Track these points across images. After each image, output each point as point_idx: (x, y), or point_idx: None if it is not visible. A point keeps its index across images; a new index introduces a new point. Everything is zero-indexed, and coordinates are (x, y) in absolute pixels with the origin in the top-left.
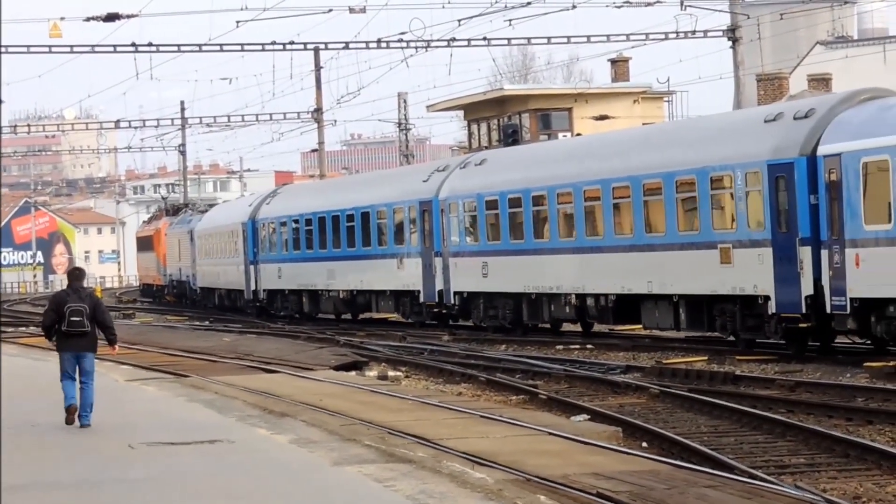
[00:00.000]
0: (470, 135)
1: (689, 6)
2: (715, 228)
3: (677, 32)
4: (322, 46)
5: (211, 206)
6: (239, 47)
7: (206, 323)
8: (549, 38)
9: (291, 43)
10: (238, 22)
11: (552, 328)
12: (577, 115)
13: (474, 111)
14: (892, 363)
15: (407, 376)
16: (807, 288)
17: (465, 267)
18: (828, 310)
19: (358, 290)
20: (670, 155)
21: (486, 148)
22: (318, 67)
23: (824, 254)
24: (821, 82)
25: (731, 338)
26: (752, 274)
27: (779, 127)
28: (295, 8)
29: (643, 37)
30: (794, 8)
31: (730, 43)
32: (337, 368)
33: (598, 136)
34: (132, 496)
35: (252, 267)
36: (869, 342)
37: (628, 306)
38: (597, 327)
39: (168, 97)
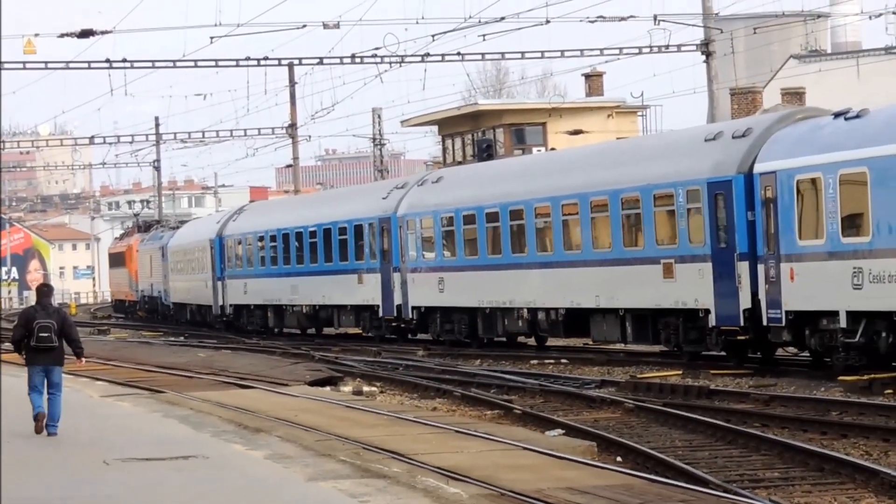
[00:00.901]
0: (444, 150)
1: (663, 21)
2: (658, 244)
3: (651, 47)
4: (296, 62)
5: (182, 222)
6: (213, 63)
7: (182, 339)
8: (522, 53)
9: (265, 58)
10: (212, 38)
11: (508, 341)
12: (552, 130)
13: (448, 126)
14: (865, 377)
15: (382, 391)
16: (745, 301)
17: (423, 282)
18: (764, 322)
19: (320, 304)
20: (616, 173)
21: (461, 163)
22: (292, 83)
23: (761, 268)
24: (794, 96)
25: (676, 349)
26: (694, 288)
27: (718, 146)
28: (269, 23)
29: (617, 51)
30: (768, 22)
31: (703, 57)
32: (312, 384)
33: (548, 154)
34: None
35: (219, 282)
36: (807, 354)
37: (578, 320)
38: (553, 340)
39: (142, 113)
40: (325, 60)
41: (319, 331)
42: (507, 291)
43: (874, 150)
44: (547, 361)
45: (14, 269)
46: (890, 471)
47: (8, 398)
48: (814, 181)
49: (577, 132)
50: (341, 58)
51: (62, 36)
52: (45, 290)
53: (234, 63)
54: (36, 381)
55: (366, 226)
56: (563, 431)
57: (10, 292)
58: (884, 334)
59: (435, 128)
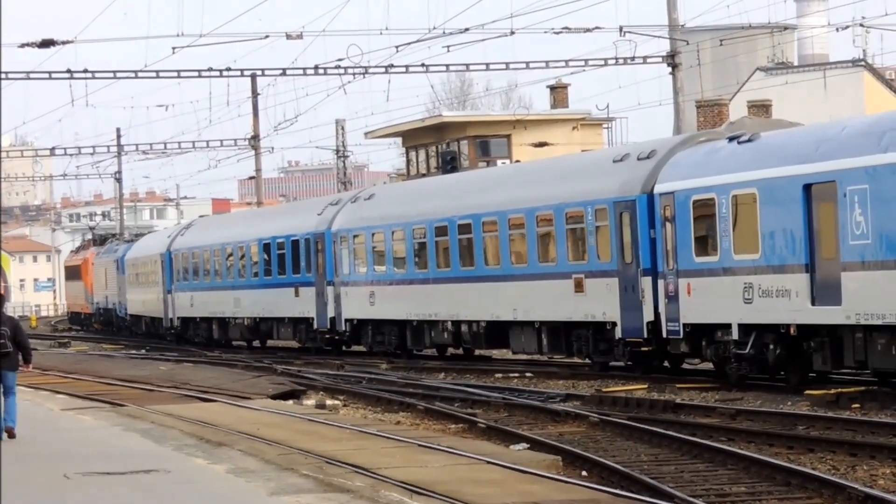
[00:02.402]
0: (408, 162)
1: (629, 32)
2: (570, 260)
3: (616, 59)
4: (259, 73)
5: (137, 235)
6: (175, 74)
7: (143, 352)
8: (487, 65)
9: (228, 69)
10: (174, 48)
11: (439, 353)
12: (516, 142)
13: (413, 138)
14: (832, 391)
15: (345, 405)
16: (648, 315)
17: (355, 295)
18: (664, 334)
19: (261, 317)
20: (532, 192)
21: (425, 175)
22: (255, 94)
23: (661, 283)
24: (761, 108)
25: (588, 360)
26: (602, 302)
27: (625, 167)
28: (231, 34)
29: (582, 63)
30: (734, 34)
31: (669, 69)
32: (274, 397)
33: (473, 173)
34: None
35: (169, 295)
36: (710, 363)
37: (498, 331)
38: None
39: (104, 124)
40: (288, 71)
41: (263, 343)
42: (433, 305)
43: (762, 173)
44: (511, 375)
45: None
46: (857, 485)
47: None
48: (709, 201)
49: (541, 144)
50: (304, 69)
51: (23, 45)
52: None
53: (196, 74)
54: None
55: (301, 241)
56: (528, 445)
57: None
58: (771, 346)
59: (399, 140)
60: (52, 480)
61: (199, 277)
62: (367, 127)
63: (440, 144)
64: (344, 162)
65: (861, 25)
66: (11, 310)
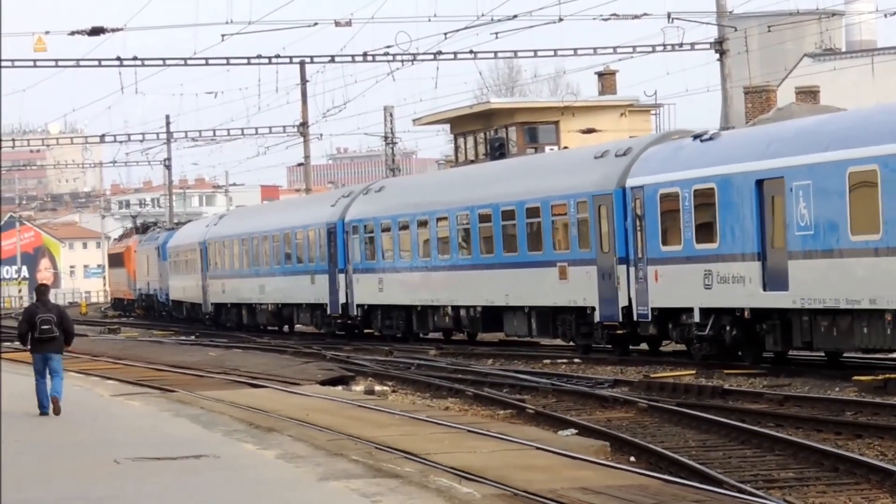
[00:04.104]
0: (456, 148)
1: (677, 19)
2: (555, 250)
3: (664, 45)
4: (308, 60)
5: (178, 224)
6: (224, 61)
7: (193, 338)
8: (535, 52)
9: (277, 56)
10: (223, 35)
11: (444, 336)
12: (564, 129)
13: (461, 125)
14: (880, 377)
15: (394, 391)
16: (623, 300)
17: (365, 283)
18: (635, 318)
19: (283, 303)
20: (522, 186)
21: (473, 161)
22: (303, 81)
23: (632, 271)
24: (808, 95)
25: (571, 342)
26: (583, 288)
27: (604, 163)
28: (280, 21)
29: (630, 50)
30: (782, 20)
31: (717, 55)
32: (323, 383)
33: (472, 168)
34: None
35: (205, 282)
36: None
37: (493, 316)
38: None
39: (153, 111)
40: (336, 58)
41: (281, 328)
42: (436, 291)
43: (720, 169)
44: (560, 361)
45: (24, 268)
46: None
47: (17, 399)
48: (673, 195)
49: (589, 131)
50: (353, 56)
51: (73, 34)
52: (42, 290)
53: (245, 61)
54: (39, 367)
55: (317, 231)
56: (576, 431)
57: (20, 290)
58: (728, 328)
59: (447, 126)
60: (102, 465)
61: (230, 265)
62: (415, 114)
63: (488, 131)
64: (392, 149)
65: None
66: (61, 296)
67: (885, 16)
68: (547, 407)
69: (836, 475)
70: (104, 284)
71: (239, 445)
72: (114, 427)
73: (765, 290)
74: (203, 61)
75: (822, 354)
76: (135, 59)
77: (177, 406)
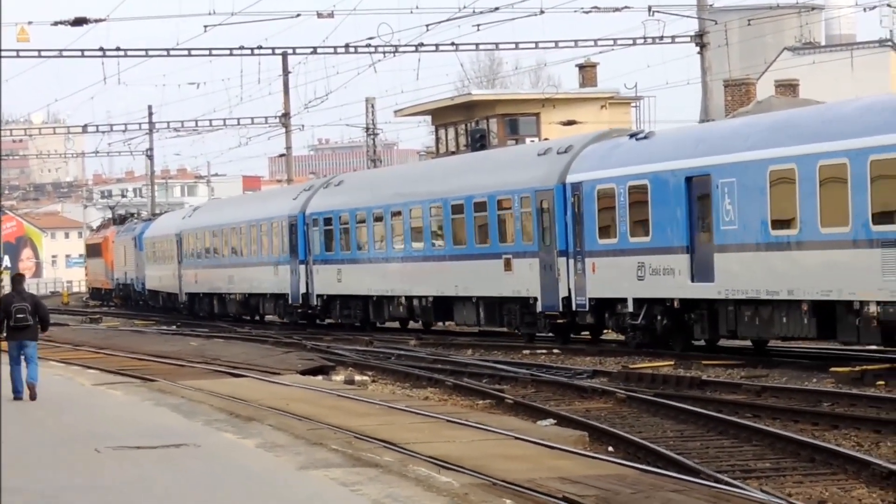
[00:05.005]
0: (437, 140)
1: (657, 12)
2: (501, 242)
3: (645, 38)
4: (290, 51)
5: (155, 215)
6: (207, 52)
7: (174, 327)
8: (516, 44)
9: (259, 47)
10: (206, 26)
11: (401, 325)
12: (545, 121)
13: (442, 116)
14: (857, 369)
15: (374, 381)
16: (563, 291)
17: (324, 273)
18: (573, 308)
19: (250, 293)
20: (471, 182)
21: (454, 153)
22: (285, 72)
23: (572, 263)
24: (788, 88)
25: (516, 331)
26: (526, 280)
27: (547, 160)
28: (263, 12)
29: (611, 42)
30: (762, 14)
31: (697, 49)
32: (304, 373)
33: (425, 163)
34: (96, 501)
35: (179, 272)
36: (618, 333)
37: (444, 306)
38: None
39: (136, 101)
40: (318, 50)
41: (253, 317)
42: (390, 282)
43: (653, 166)
44: (539, 351)
45: (7, 258)
46: (881, 462)
47: None
48: (610, 191)
49: (570, 123)
50: (335, 47)
51: (56, 24)
52: (18, 279)
53: (227, 52)
54: (14, 353)
55: (280, 223)
56: (555, 421)
57: (1, 280)
58: (659, 317)
59: (428, 118)
60: (83, 454)
61: (202, 256)
62: (396, 105)
63: (469, 123)
64: (374, 140)
65: (888, 6)
66: (43, 286)
67: (865, 10)
68: (526, 397)
69: (812, 465)
70: (86, 274)
71: (219, 435)
72: (95, 416)
73: (693, 281)
74: (185, 52)
75: (801, 346)
76: (118, 49)
77: (158, 395)
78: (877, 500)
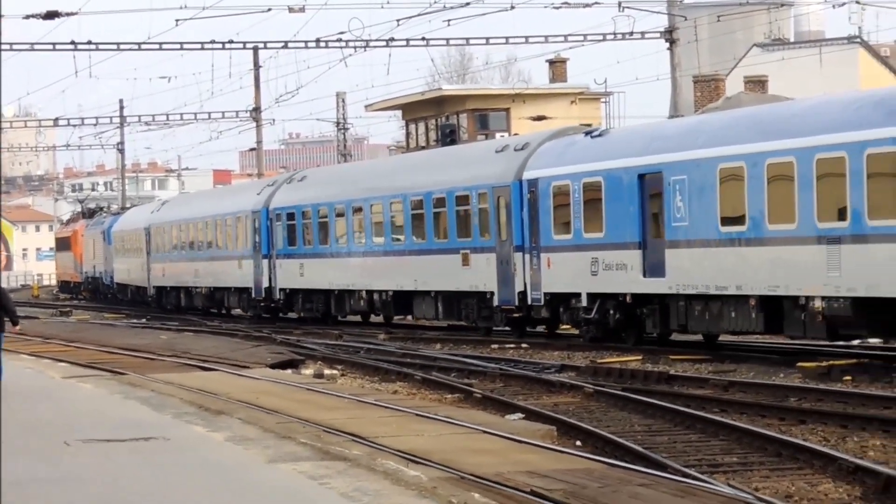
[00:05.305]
0: (408, 135)
1: (627, 7)
2: (459, 238)
3: (615, 34)
4: (261, 45)
5: (124, 208)
6: (178, 46)
7: (144, 321)
8: (487, 39)
9: (230, 42)
10: (177, 20)
11: (363, 319)
12: (515, 116)
13: (412, 111)
14: (824, 364)
15: (343, 374)
16: (519, 285)
17: (287, 268)
18: (529, 302)
19: (215, 287)
20: (431, 178)
21: (425, 147)
22: (256, 66)
23: (527, 258)
24: (757, 84)
25: (474, 325)
26: (484, 274)
27: (504, 157)
28: (234, 7)
29: (581, 38)
30: (732, 10)
31: (667, 44)
32: (273, 366)
33: (386, 159)
34: (65, 494)
35: (148, 266)
36: (574, 328)
37: (403, 300)
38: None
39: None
40: (289, 44)
41: (219, 310)
42: (351, 276)
43: (607, 164)
44: (507, 346)
45: None
46: (847, 457)
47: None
48: (565, 187)
49: (540, 118)
50: (306, 42)
51: (27, 17)
52: None
53: (198, 46)
54: None
55: (244, 218)
56: (523, 416)
57: None
58: (612, 312)
59: (399, 112)
60: (52, 447)
61: (170, 250)
62: (367, 100)
63: (440, 118)
64: (344, 134)
65: (857, 2)
66: (14, 279)
67: (834, 7)
68: (494, 391)
69: (779, 460)
70: (56, 267)
71: (188, 428)
72: (65, 409)
73: (645, 276)
74: (157, 46)
75: (764, 341)
76: (89, 43)
77: (127, 388)
78: (843, 494)
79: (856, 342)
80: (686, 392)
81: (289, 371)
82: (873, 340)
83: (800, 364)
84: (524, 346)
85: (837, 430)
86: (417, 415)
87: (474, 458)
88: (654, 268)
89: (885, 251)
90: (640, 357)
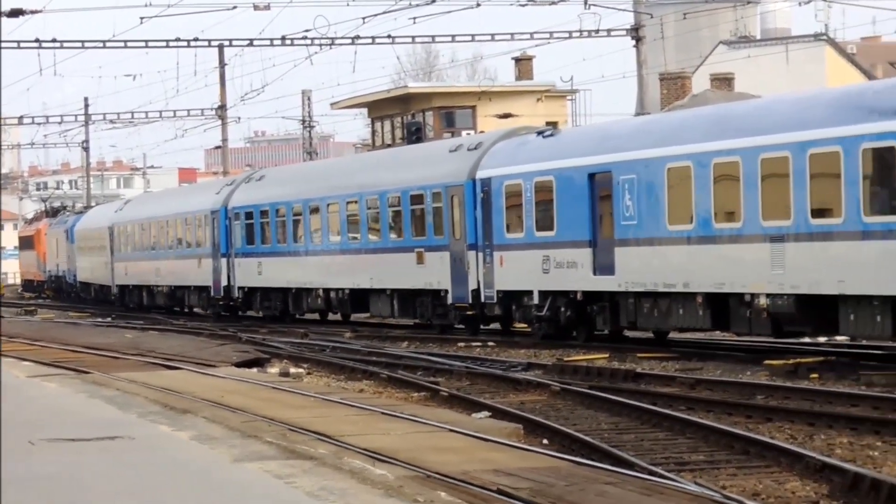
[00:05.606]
0: (374, 132)
1: (593, 5)
2: (413, 236)
3: (581, 31)
4: (226, 43)
5: (87, 207)
6: (143, 44)
7: (109, 319)
8: (453, 37)
9: (196, 39)
10: (142, 18)
11: (321, 317)
12: (481, 114)
13: (378, 109)
14: (791, 361)
15: (309, 373)
16: (472, 283)
17: (246, 266)
18: (482, 300)
19: (175, 285)
20: (386, 177)
21: (391, 145)
22: (222, 64)
23: (481, 256)
24: (723, 82)
25: (429, 322)
26: (438, 273)
27: (457, 156)
28: (199, 4)
29: (547, 35)
30: (698, 8)
31: (633, 42)
32: (239, 365)
33: (344, 159)
34: (30, 494)
35: (112, 264)
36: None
37: (360, 298)
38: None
39: (72, 93)
40: (255, 42)
41: (182, 309)
42: (309, 274)
43: (558, 163)
44: (474, 344)
45: None
46: (814, 454)
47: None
48: (517, 186)
49: (506, 116)
50: (271, 39)
51: None
52: None
53: (164, 44)
54: None
55: (203, 217)
56: (490, 414)
57: None
58: (563, 309)
59: (365, 110)
60: (17, 446)
61: (132, 249)
62: (333, 98)
63: (405, 115)
64: (310, 132)
65: (823, 0)
66: None
67: (800, 4)
68: (461, 390)
69: (746, 458)
70: (20, 266)
71: (154, 427)
72: (29, 408)
73: (595, 274)
74: (122, 44)
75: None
76: (54, 41)
77: (92, 387)
78: (810, 492)
79: (822, 339)
80: (653, 390)
81: (254, 370)
82: (822, 339)
83: (767, 362)
84: (490, 344)
85: (804, 428)
86: (383, 413)
87: (440, 456)
88: (604, 266)
89: (827, 249)
90: (606, 355)
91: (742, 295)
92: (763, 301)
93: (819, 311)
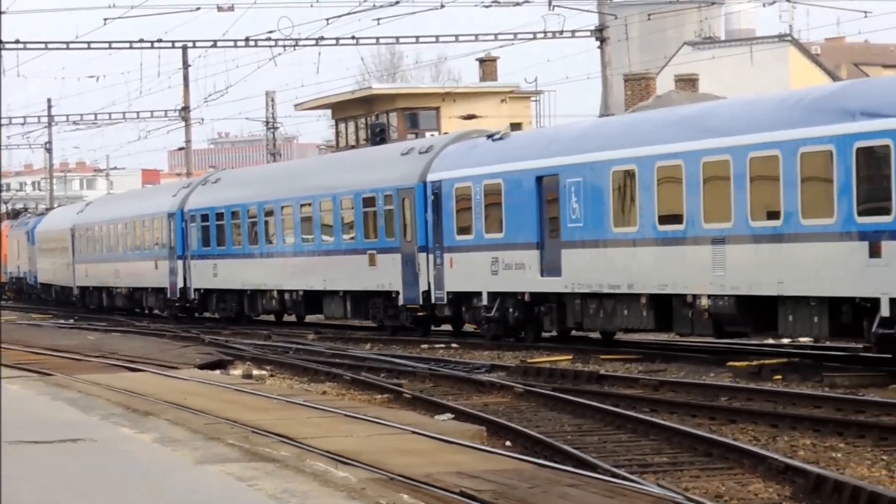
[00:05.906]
0: (338, 134)
1: (557, 6)
2: (365, 238)
3: (545, 32)
4: (190, 44)
5: (48, 209)
6: (106, 45)
7: (71, 321)
8: (417, 38)
9: (159, 41)
10: (105, 19)
11: (276, 318)
12: (445, 115)
13: (342, 110)
14: (755, 363)
15: (272, 375)
16: (423, 285)
17: (202, 268)
18: (433, 301)
19: (133, 287)
20: (339, 180)
21: (354, 147)
22: (185, 65)
23: (431, 258)
24: (688, 82)
25: (381, 324)
26: (389, 274)
27: (409, 159)
28: (162, 6)
29: (511, 36)
30: (662, 8)
31: (597, 43)
32: (202, 367)
33: (299, 162)
34: None
35: (74, 266)
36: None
37: (313, 300)
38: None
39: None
40: (218, 43)
41: (142, 310)
42: (263, 276)
43: (507, 166)
44: (437, 346)
45: None
46: (777, 456)
47: None
48: (467, 189)
49: (470, 117)
50: (235, 41)
51: None
52: None
53: (127, 45)
54: None
55: (160, 219)
56: (453, 416)
57: None
58: (511, 310)
59: (328, 112)
60: None
61: (92, 251)
62: (297, 99)
63: (369, 117)
64: (273, 134)
65: (787, 0)
66: None
67: (764, 5)
68: (424, 391)
69: (709, 460)
70: None
71: (116, 429)
72: None
73: (542, 276)
74: (85, 45)
75: (703, 340)
76: (16, 42)
77: (54, 389)
78: (773, 494)
79: (786, 340)
80: (616, 392)
81: (217, 372)
82: (767, 339)
83: (730, 363)
84: (454, 345)
85: (768, 430)
86: (346, 415)
87: (403, 458)
88: (551, 267)
89: (767, 251)
90: (570, 357)
91: (685, 296)
92: (704, 302)
93: (758, 311)
